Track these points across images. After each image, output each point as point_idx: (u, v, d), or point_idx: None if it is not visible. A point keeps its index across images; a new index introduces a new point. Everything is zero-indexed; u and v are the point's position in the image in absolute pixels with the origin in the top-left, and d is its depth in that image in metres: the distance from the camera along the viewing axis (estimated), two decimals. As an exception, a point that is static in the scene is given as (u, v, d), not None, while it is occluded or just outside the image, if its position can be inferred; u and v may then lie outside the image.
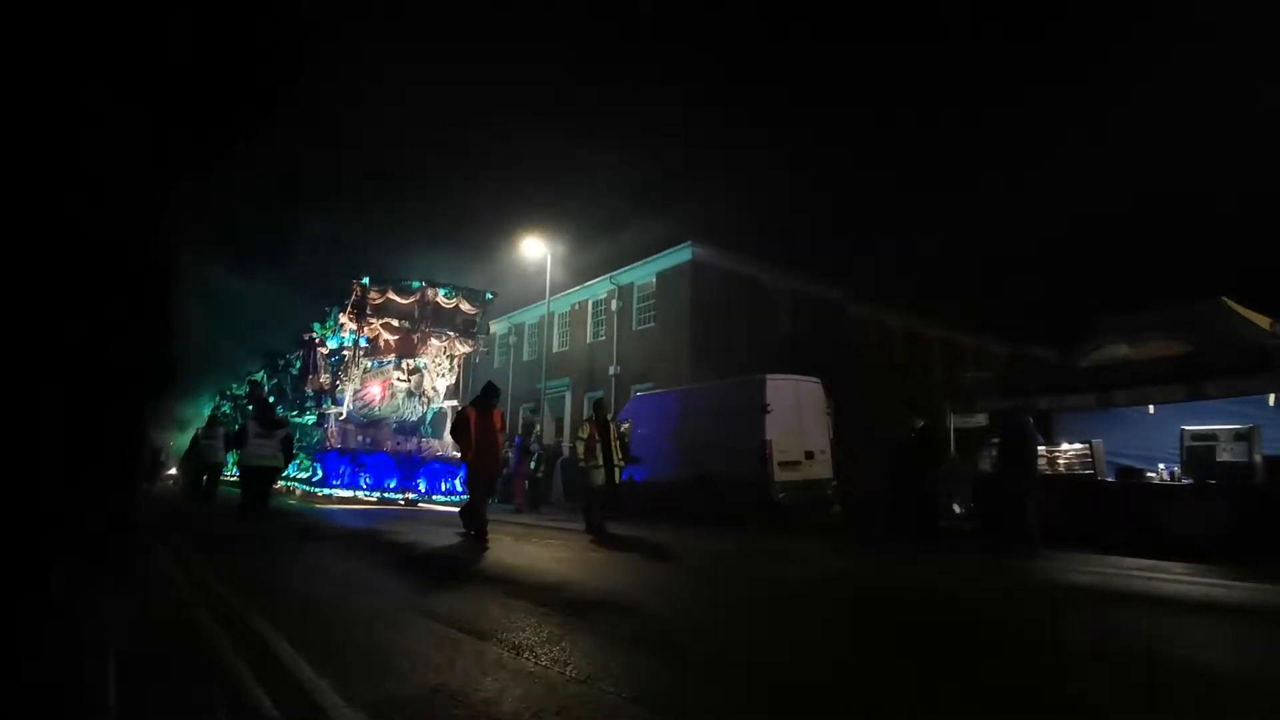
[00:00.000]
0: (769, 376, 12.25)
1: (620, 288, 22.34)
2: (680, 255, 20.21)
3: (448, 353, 18.08)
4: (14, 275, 0.90)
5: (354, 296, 16.68)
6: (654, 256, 20.96)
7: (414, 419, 18.11)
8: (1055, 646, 3.55)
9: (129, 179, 1.01)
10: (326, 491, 15.55)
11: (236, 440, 9.52)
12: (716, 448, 12.43)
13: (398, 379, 17.63)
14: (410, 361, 17.65)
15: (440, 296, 17.39)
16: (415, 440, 17.63)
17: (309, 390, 18.46)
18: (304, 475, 17.46)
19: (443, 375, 18.25)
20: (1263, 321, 8.73)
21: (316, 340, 18.23)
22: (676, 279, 20.40)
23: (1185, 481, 8.09)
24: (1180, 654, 3.35)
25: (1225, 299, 9.03)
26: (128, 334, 1.04)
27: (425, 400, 18.19)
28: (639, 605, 4.39)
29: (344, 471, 15.81)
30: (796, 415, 12.19)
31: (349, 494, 15.38)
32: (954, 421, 10.66)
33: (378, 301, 16.78)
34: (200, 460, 11.85)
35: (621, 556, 6.98)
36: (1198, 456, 8.03)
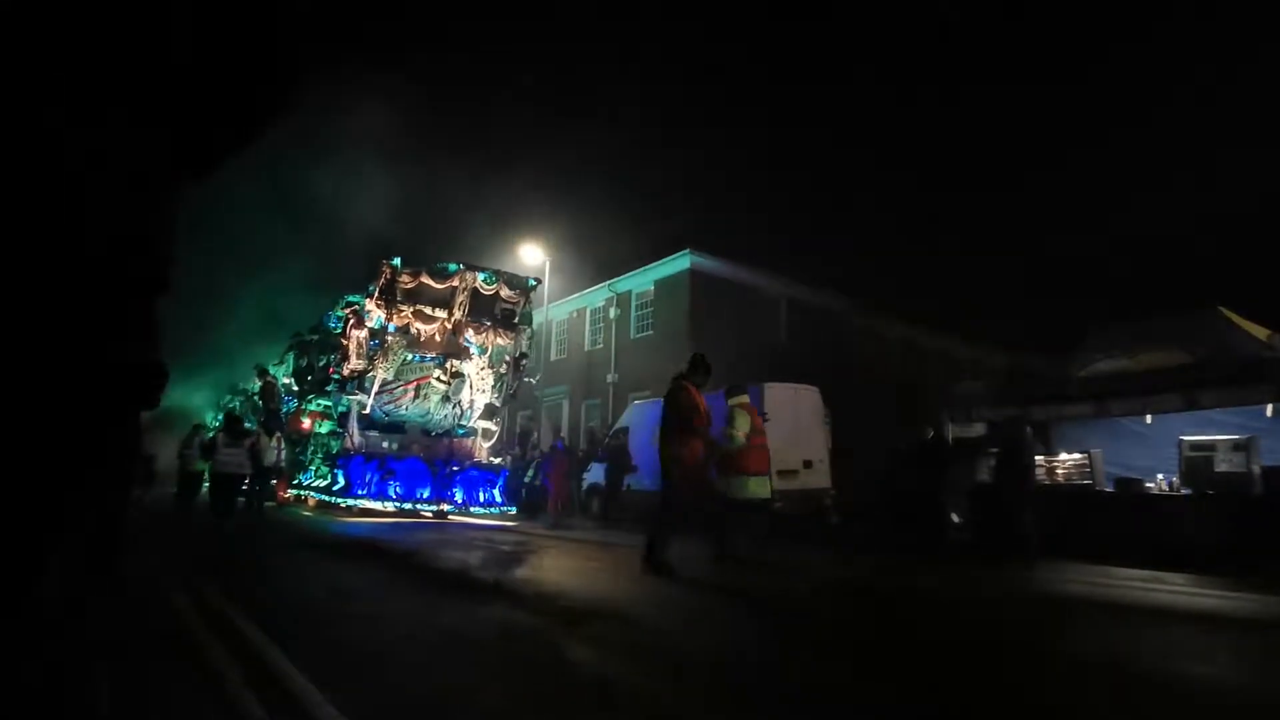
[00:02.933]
0: (767, 385, 12.26)
1: (618, 295, 22.37)
2: (679, 263, 20.26)
3: (486, 345, 15.83)
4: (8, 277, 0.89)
5: (382, 280, 14.38)
6: (652, 264, 21.00)
7: (441, 429, 16.09)
8: (1053, 656, 3.52)
9: (120, 185, 1.00)
10: (350, 502, 13.59)
11: (206, 450, 10.51)
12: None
13: (437, 379, 15.42)
14: (455, 363, 15.45)
15: (479, 282, 15.12)
16: (447, 441, 15.62)
17: (334, 375, 15.80)
18: (320, 483, 15.44)
19: (484, 392, 16.14)
20: (1260, 332, 8.76)
21: (352, 322, 15.53)
22: (675, 287, 20.44)
23: (1184, 492, 8.09)
24: (1178, 666, 3.33)
25: (1223, 309, 9.06)
26: (117, 341, 1.03)
27: (458, 413, 16.08)
28: (638, 615, 4.36)
29: (370, 479, 13.75)
30: (794, 424, 12.18)
31: (378, 505, 13.47)
32: (951, 431, 10.67)
33: (409, 286, 14.50)
34: (181, 469, 12.21)
35: (619, 566, 6.95)
36: (1196, 467, 8.03)
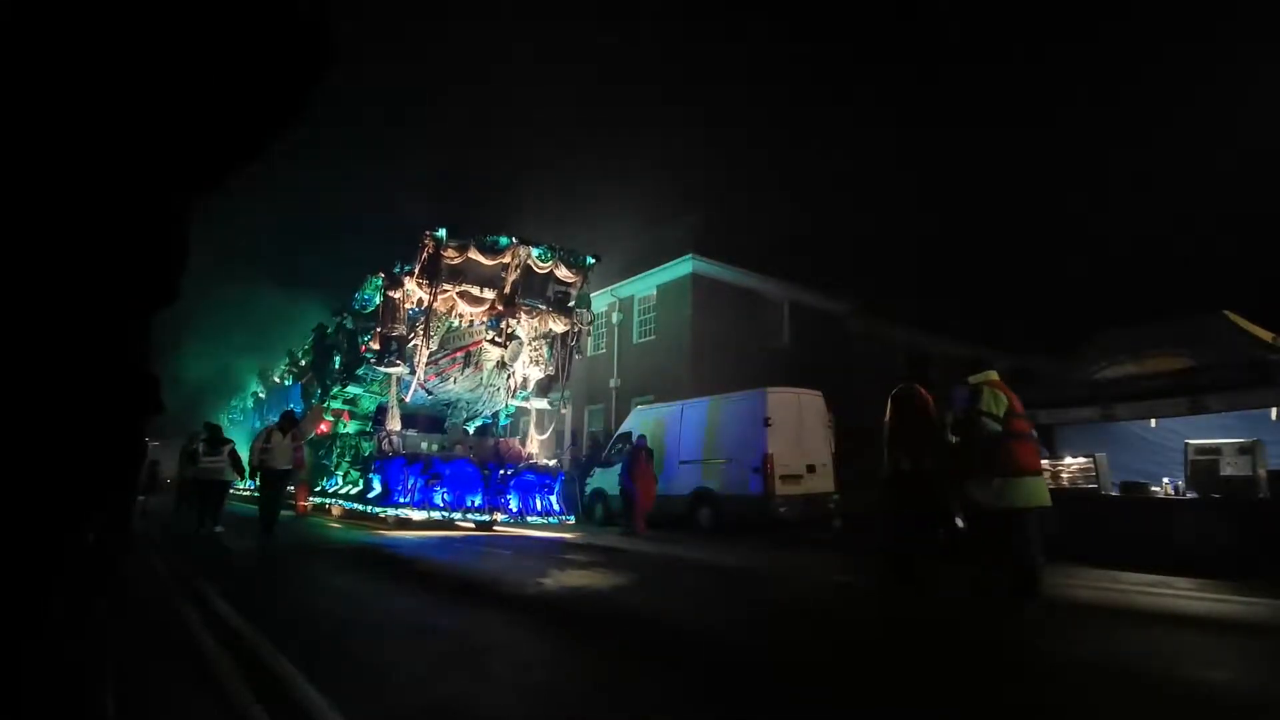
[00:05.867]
0: (770, 389, 12.25)
1: (620, 300, 22.36)
2: (681, 268, 20.25)
3: (540, 332, 13.97)
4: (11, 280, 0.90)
5: (424, 254, 12.47)
6: (655, 269, 20.99)
7: (491, 409, 14.16)
8: (1060, 661, 3.51)
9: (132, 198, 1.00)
10: (391, 512, 11.76)
11: (190, 458, 11.29)
12: (717, 461, 12.40)
13: (491, 341, 13.20)
14: (511, 323, 13.18)
15: (533, 258, 13.12)
16: (492, 442, 13.75)
17: (368, 355, 13.72)
18: (350, 490, 13.55)
19: (538, 364, 14.06)
20: (1265, 335, 8.73)
21: (388, 284, 13.47)
22: (677, 291, 20.43)
23: (1189, 496, 8.05)
24: (1187, 670, 3.31)
25: (1227, 312, 9.04)
26: (125, 349, 1.03)
27: (511, 387, 13.93)
28: (641, 620, 4.35)
29: (414, 485, 11.88)
30: (798, 428, 12.17)
31: (421, 515, 11.66)
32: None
33: (455, 261, 12.52)
34: (180, 476, 12.53)
35: (622, 571, 6.94)
36: (1202, 470, 8.00)
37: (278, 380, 22.71)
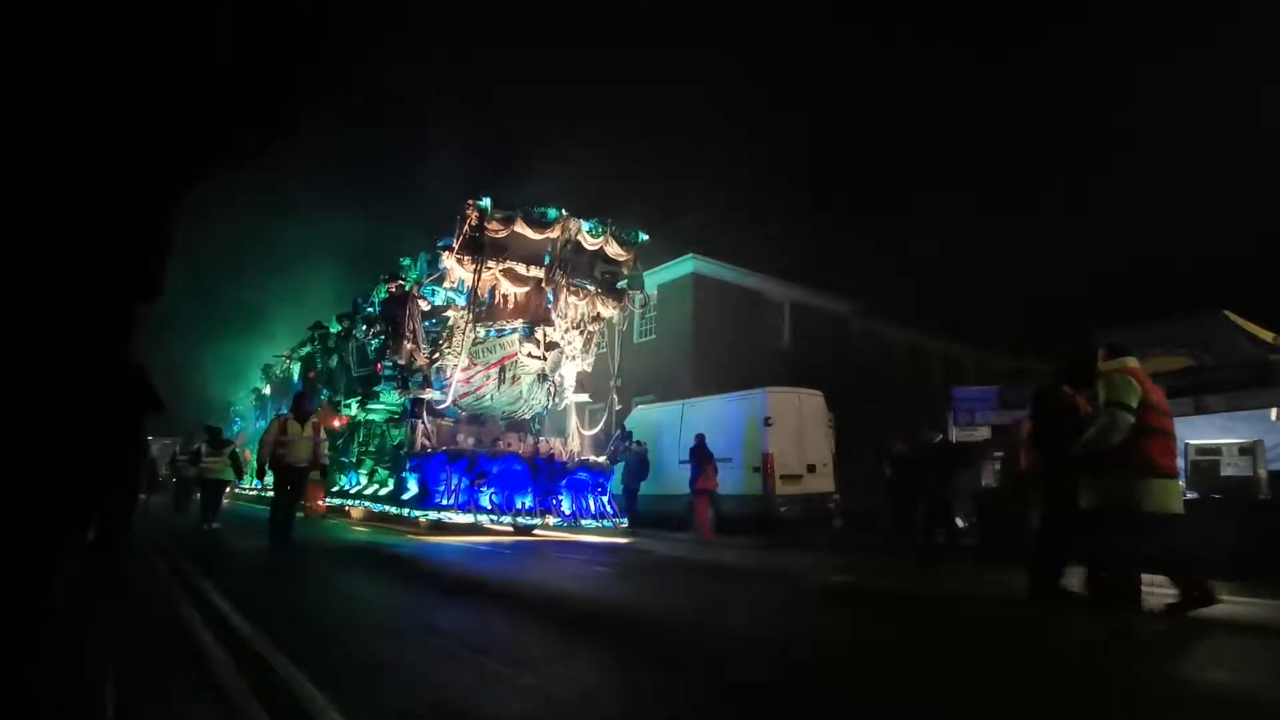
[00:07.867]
0: (771, 389, 12.27)
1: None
2: (682, 267, 20.25)
3: (583, 318, 12.78)
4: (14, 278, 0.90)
5: (467, 226, 11.02)
6: (656, 268, 20.99)
7: (529, 414, 13.20)
8: (1064, 660, 3.51)
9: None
10: (434, 515, 10.44)
11: (192, 458, 12.16)
12: (718, 461, 12.40)
13: (529, 354, 11.88)
14: (548, 330, 11.98)
15: (583, 232, 11.81)
16: (531, 438, 12.85)
17: (389, 362, 12.33)
18: (378, 489, 12.33)
19: (573, 359, 12.82)
20: (1265, 335, 8.73)
21: (405, 290, 12.21)
22: (678, 291, 20.43)
23: (1190, 496, 8.05)
24: (1188, 671, 3.31)
25: (1227, 312, 9.04)
26: (122, 345, 1.03)
27: (550, 391, 12.73)
28: (642, 619, 4.36)
29: (458, 484, 10.65)
30: (798, 428, 12.19)
31: (467, 519, 10.47)
32: (955, 435, 10.66)
33: (500, 235, 11.14)
34: (178, 475, 13.01)
35: (623, 570, 6.94)
36: (1202, 471, 8.00)
37: (281, 375, 21.84)
